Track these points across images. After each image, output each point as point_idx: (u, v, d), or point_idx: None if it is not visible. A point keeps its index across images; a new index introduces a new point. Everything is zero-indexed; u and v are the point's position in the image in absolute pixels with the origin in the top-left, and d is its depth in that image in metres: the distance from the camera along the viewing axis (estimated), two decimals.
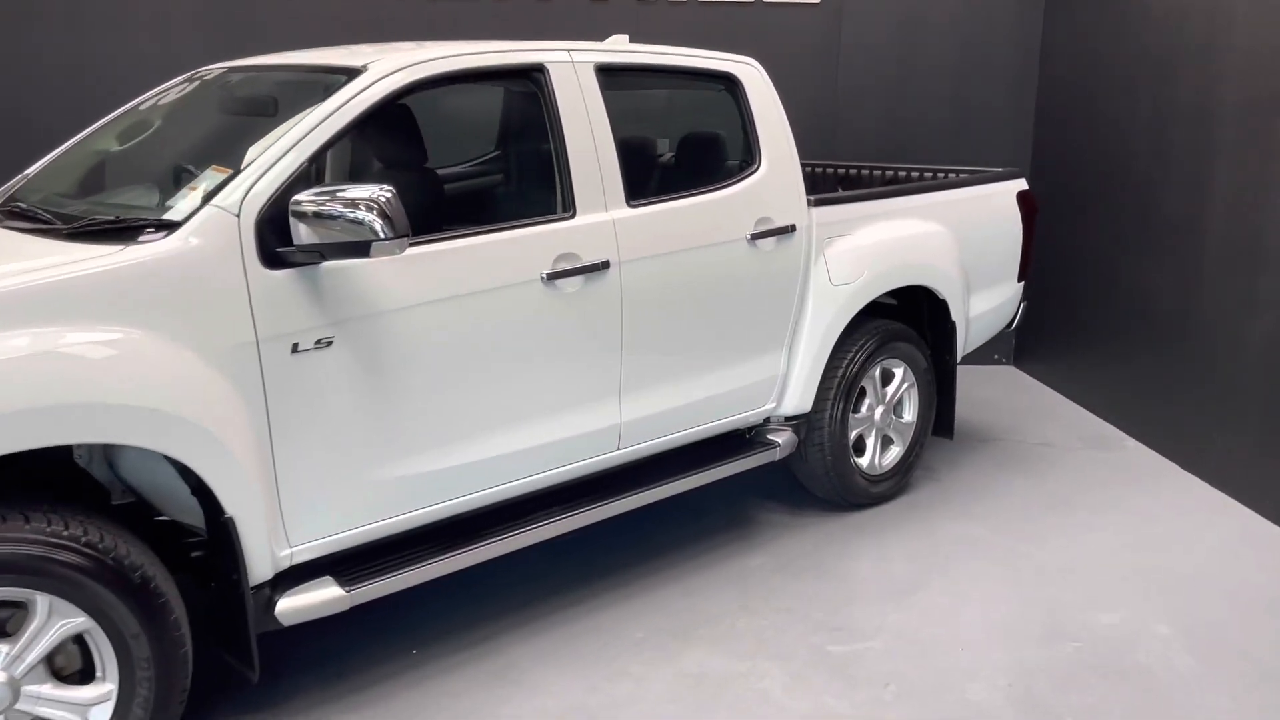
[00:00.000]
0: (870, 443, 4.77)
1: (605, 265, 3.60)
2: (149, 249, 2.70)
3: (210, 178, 2.99)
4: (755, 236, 4.10)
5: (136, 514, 3.09)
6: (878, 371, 4.72)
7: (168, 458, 2.69)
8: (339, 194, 2.80)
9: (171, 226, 2.79)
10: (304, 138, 2.99)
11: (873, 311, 4.70)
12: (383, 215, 2.80)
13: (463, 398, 3.29)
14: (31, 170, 3.72)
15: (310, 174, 2.98)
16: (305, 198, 2.80)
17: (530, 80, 3.62)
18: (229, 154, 3.10)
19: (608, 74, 3.79)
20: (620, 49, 3.92)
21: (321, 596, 3.04)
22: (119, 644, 2.62)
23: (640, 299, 3.73)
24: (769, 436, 4.39)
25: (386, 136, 3.88)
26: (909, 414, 4.91)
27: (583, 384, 3.63)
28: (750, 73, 4.27)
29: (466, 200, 3.72)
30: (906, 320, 4.95)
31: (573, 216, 3.57)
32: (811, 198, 4.34)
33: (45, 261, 2.62)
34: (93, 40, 6.25)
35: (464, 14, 6.44)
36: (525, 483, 3.57)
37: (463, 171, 4.43)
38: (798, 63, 6.84)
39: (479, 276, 3.28)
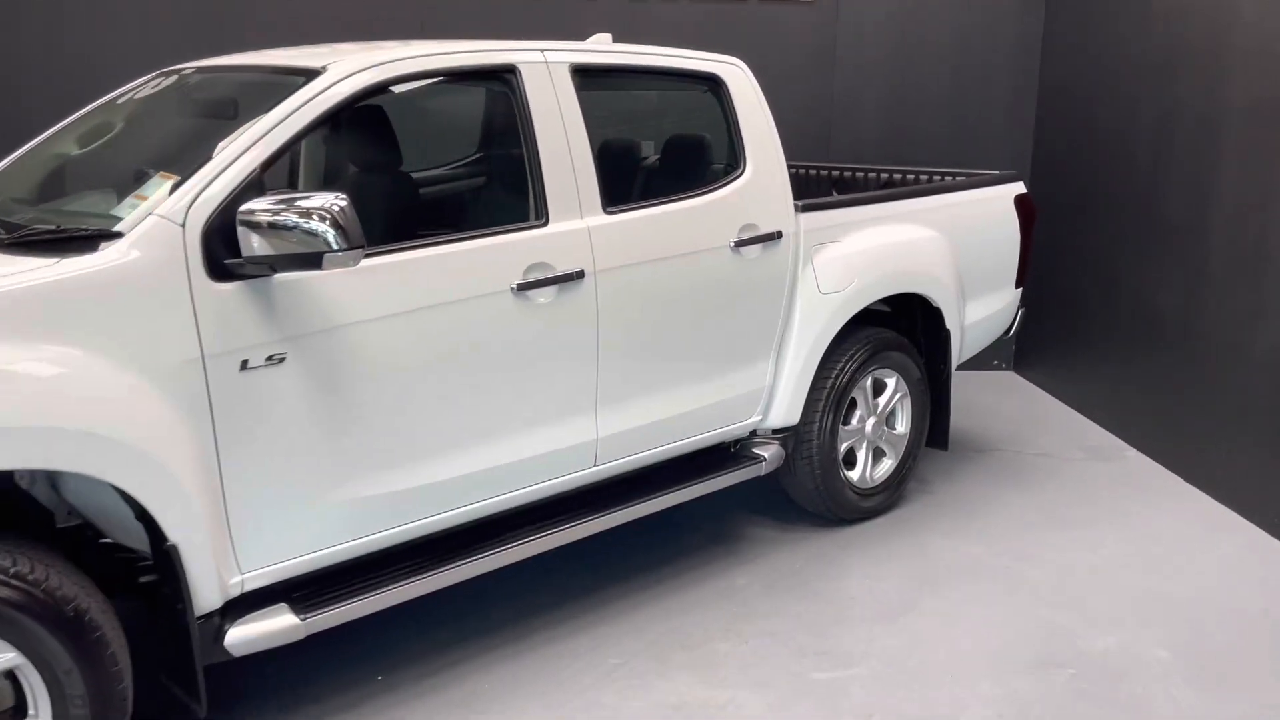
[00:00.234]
0: (861, 455, 4.62)
1: (579, 275, 3.45)
2: (85, 262, 2.55)
3: (157, 185, 2.84)
4: (739, 244, 3.95)
5: (83, 538, 2.95)
6: (869, 382, 4.56)
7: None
8: (290, 203, 2.65)
9: (115, 237, 2.64)
10: (256, 143, 2.84)
11: (864, 320, 4.54)
12: (336, 226, 2.66)
13: (427, 415, 3.14)
14: None
15: (262, 182, 2.82)
16: (253, 207, 2.65)
17: (501, 81, 3.47)
18: (186, 159, 2.95)
19: (584, 75, 3.64)
20: (598, 49, 3.77)
21: (274, 625, 2.89)
22: (51, 680, 2.48)
23: (617, 310, 3.57)
24: (755, 450, 4.24)
25: (360, 139, 3.74)
26: (902, 425, 4.75)
27: (556, 399, 3.48)
28: (735, 73, 4.11)
29: (433, 208, 3.57)
30: (900, 328, 4.80)
31: (545, 224, 3.42)
32: (799, 203, 4.18)
33: None
34: (78, 37, 6.11)
35: (456, 12, 6.29)
36: (495, 502, 3.42)
37: (430, 177, 4.28)
38: (793, 63, 6.69)
39: (444, 288, 3.13)
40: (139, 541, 2.80)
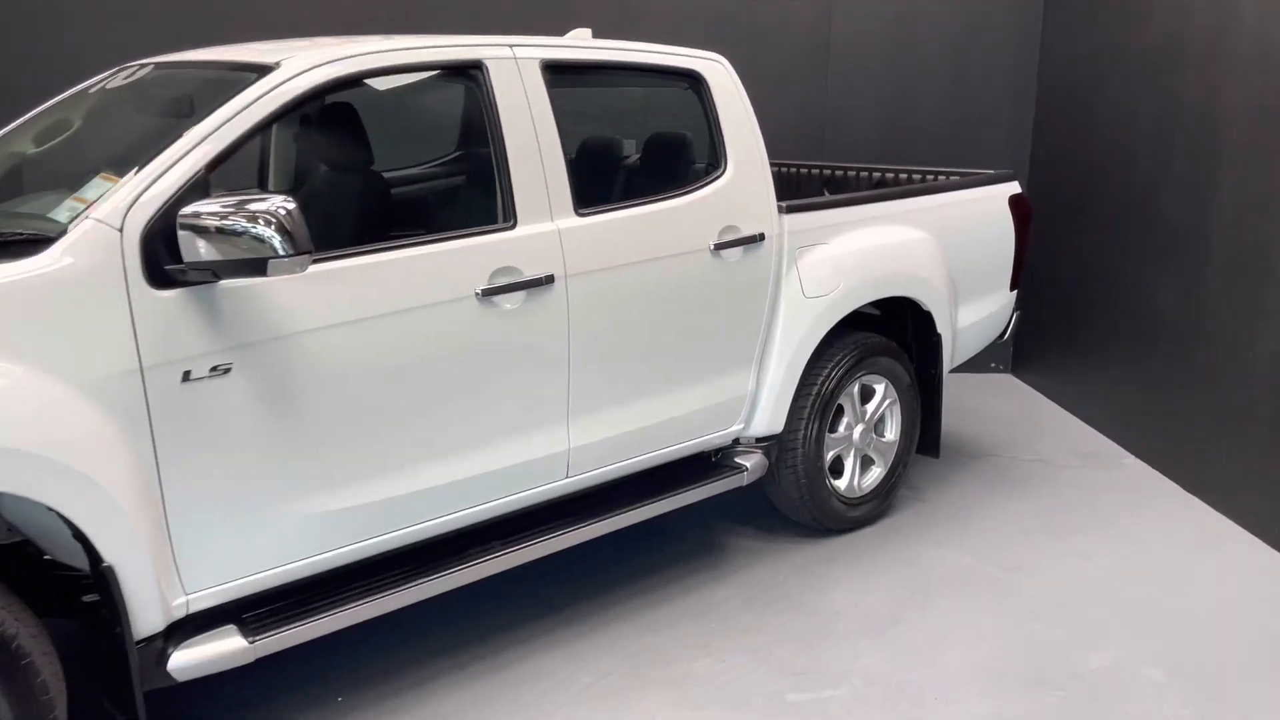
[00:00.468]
0: (849, 464, 4.48)
1: (549, 280, 3.31)
2: (14, 269, 2.42)
3: (98, 186, 2.71)
4: (719, 246, 3.81)
5: (23, 555, 2.82)
6: (856, 388, 4.42)
7: None
8: (234, 205, 2.52)
9: (50, 242, 2.51)
10: (201, 142, 2.71)
11: (853, 324, 4.41)
12: (282, 230, 2.53)
13: (385, 427, 3.00)
14: None
15: (208, 183, 2.69)
16: (194, 210, 2.52)
17: (467, 78, 3.34)
18: (134, 158, 2.81)
19: (556, 71, 3.50)
20: (571, 44, 3.63)
21: (221, 648, 2.76)
22: None
23: (590, 316, 3.44)
24: (736, 460, 4.10)
25: (321, 138, 3.61)
26: (891, 433, 4.61)
27: (525, 409, 3.35)
28: (715, 70, 3.97)
29: (395, 210, 3.44)
30: (890, 333, 4.66)
31: (513, 227, 3.28)
32: (783, 204, 4.04)
33: None
34: (72, 33, 5.99)
35: (445, 7, 6.16)
36: (460, 516, 3.29)
37: (393, 179, 4.14)
38: (786, 59, 6.55)
39: (404, 294, 3.00)
40: (82, 560, 2.67)
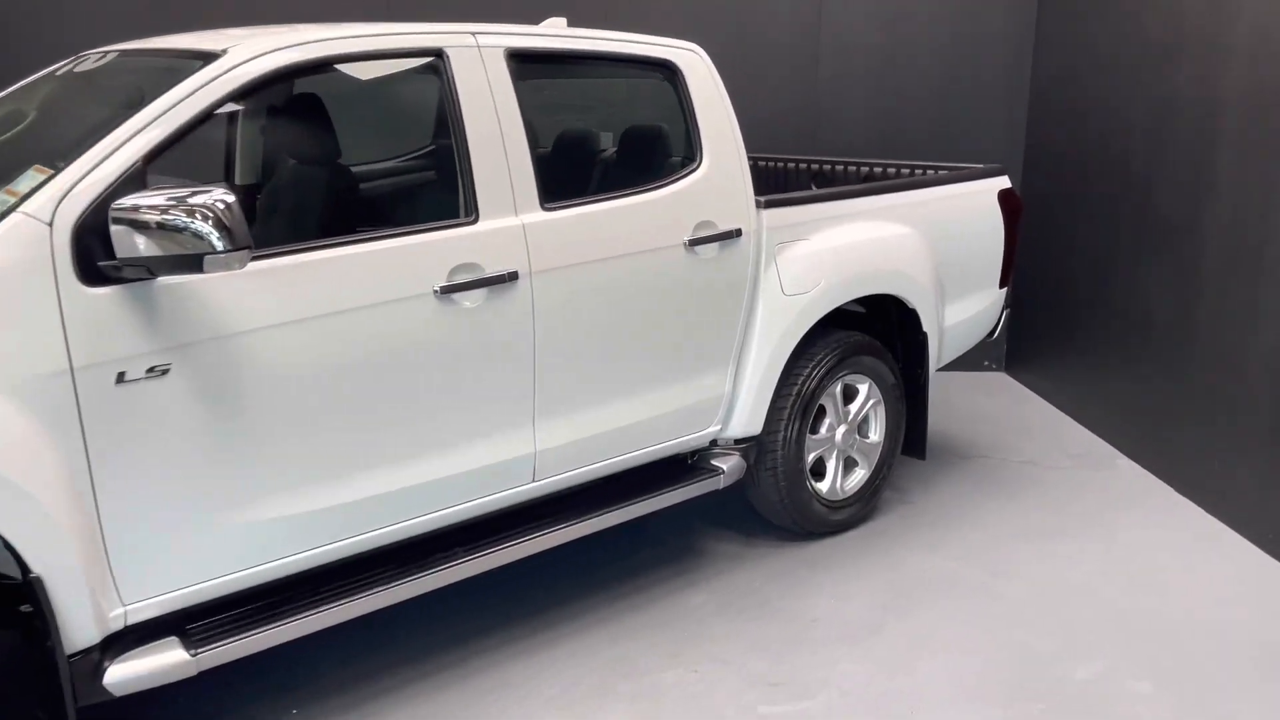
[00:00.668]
0: (831, 466, 4.35)
1: (513, 277, 3.19)
2: None
3: (31, 179, 2.59)
4: (694, 242, 3.68)
5: None
6: (839, 388, 4.29)
7: None
8: (169, 199, 2.40)
9: None
10: (138, 132, 2.59)
11: (836, 322, 4.28)
12: (219, 225, 2.40)
13: (336, 431, 2.88)
14: None
15: (142, 175, 2.57)
16: (126, 203, 2.40)
17: (428, 67, 3.21)
18: (74, 150, 2.69)
19: (522, 61, 3.38)
20: (537, 32, 3.50)
21: (161, 662, 2.65)
22: None
23: (556, 314, 3.32)
24: (713, 462, 3.97)
25: (290, 129, 3.48)
26: (875, 434, 4.49)
27: (487, 411, 3.23)
28: (691, 60, 3.84)
29: (352, 205, 3.32)
30: (875, 331, 4.53)
31: (475, 222, 3.16)
32: (761, 199, 3.91)
33: None
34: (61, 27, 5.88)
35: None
36: (420, 522, 3.17)
37: (354, 173, 4.01)
38: (776, 51, 6.41)
39: (357, 291, 2.88)
40: (14, 568, 2.55)
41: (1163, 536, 4.42)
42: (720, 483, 3.92)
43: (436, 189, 3.38)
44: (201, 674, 2.70)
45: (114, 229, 2.41)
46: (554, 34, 3.55)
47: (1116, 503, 4.75)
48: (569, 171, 4.13)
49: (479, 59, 3.24)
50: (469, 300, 3.10)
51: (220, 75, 2.74)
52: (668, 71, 3.81)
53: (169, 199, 2.40)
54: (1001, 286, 4.95)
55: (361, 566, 3.12)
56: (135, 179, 2.55)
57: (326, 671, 3.38)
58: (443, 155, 3.22)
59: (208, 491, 2.68)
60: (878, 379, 4.41)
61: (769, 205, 3.94)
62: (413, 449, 3.06)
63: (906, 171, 5.07)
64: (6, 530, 2.33)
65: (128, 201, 2.41)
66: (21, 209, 2.42)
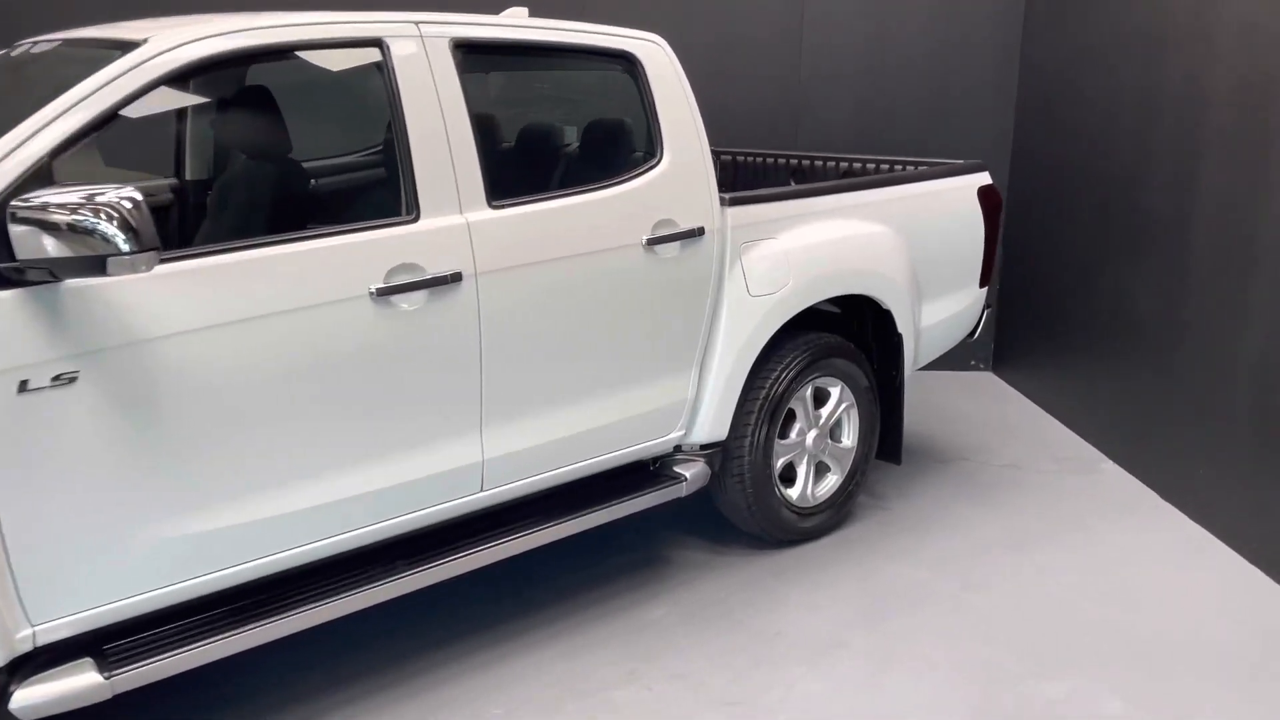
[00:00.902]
0: (801, 471, 4.21)
1: (456, 278, 3.05)
2: None
3: None
4: (653, 241, 3.54)
5: None
6: (809, 391, 4.15)
7: None
8: (70, 197, 2.26)
9: None
10: (45, 126, 2.45)
11: (810, 323, 4.14)
12: (125, 226, 2.27)
13: (260, 441, 2.75)
14: None
15: (49, 170, 2.43)
16: (23, 202, 2.26)
17: (366, 58, 3.06)
18: None
19: (470, 51, 3.24)
20: (487, 21, 3.35)
21: (72, 685, 2.51)
22: None
23: (504, 317, 3.18)
24: (676, 469, 3.84)
25: (235, 123, 3.35)
26: (848, 438, 4.35)
27: (430, 418, 3.09)
28: (652, 51, 3.70)
29: (284, 202, 3.18)
30: (850, 332, 4.39)
31: (415, 220, 3.02)
32: (726, 196, 3.77)
33: None
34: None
35: None
36: (357, 535, 3.03)
37: (296, 169, 3.87)
38: (758, 45, 6.26)
39: (285, 293, 2.74)
40: None
41: (1145, 546, 4.27)
42: (683, 490, 3.78)
43: (376, 186, 3.25)
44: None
45: (15, 229, 2.28)
46: (504, 23, 3.40)
47: (1099, 509, 4.61)
48: (530, 168, 3.99)
49: (422, 49, 3.10)
50: (408, 302, 2.96)
51: (136, 66, 2.60)
52: (626, 63, 3.67)
53: (69, 197, 2.26)
54: (982, 286, 4.80)
55: (293, 582, 2.99)
56: (42, 176, 2.41)
57: (260, 690, 3.25)
58: (383, 151, 3.08)
59: (121, 506, 2.54)
60: (850, 382, 4.27)
61: (734, 203, 3.79)
62: (345, 459, 2.92)
63: (886, 167, 4.93)
64: None
65: (35, 199, 2.27)
66: None
